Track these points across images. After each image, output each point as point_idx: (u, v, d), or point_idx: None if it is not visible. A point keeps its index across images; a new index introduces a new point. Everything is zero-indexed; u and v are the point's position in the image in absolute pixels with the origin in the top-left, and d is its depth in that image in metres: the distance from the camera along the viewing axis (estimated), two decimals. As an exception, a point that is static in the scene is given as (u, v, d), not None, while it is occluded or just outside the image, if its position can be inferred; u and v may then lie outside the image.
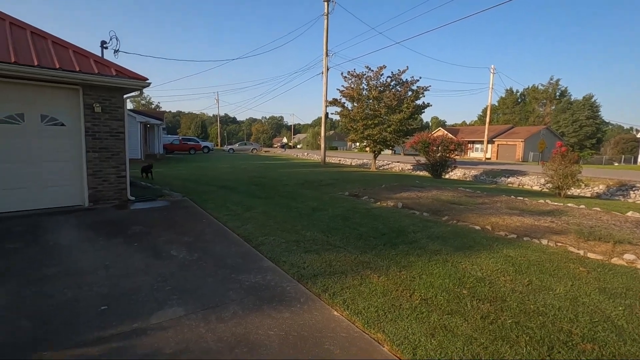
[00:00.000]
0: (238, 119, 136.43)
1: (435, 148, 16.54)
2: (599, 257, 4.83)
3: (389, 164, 26.64)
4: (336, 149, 69.61)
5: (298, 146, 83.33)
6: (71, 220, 6.19)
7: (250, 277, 3.95)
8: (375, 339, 2.83)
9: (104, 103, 7.44)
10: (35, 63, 6.37)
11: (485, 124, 42.10)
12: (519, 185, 17.22)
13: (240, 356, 2.55)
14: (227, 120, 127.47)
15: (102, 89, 7.35)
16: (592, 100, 59.06)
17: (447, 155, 16.50)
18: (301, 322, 3.04)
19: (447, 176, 18.23)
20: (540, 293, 3.73)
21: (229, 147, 47.86)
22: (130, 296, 3.42)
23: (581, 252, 5.02)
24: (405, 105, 19.52)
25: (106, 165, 7.60)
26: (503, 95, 72.30)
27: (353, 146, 69.49)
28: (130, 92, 7.99)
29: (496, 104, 72.33)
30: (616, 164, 42.13)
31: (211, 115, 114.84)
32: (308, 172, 17.30)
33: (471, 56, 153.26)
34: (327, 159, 28.40)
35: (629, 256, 4.70)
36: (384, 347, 2.74)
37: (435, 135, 18.50)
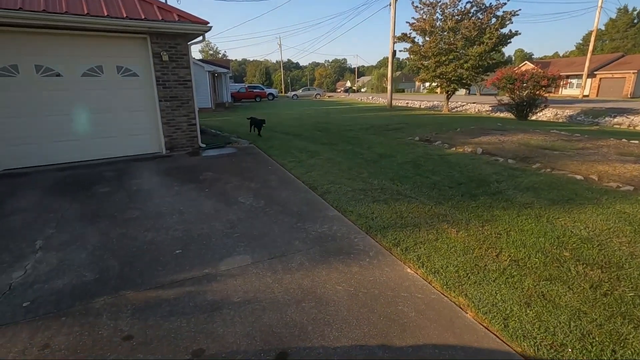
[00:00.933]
0: (301, 64, 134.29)
1: (522, 84, 14.28)
2: None
3: (463, 106, 24.21)
4: (403, 91, 65.41)
5: (362, 90, 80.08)
6: (151, 166, 6.61)
7: (316, 227, 3.79)
8: (457, 304, 2.50)
9: (170, 51, 7.48)
10: (105, 13, 6.47)
11: (586, 54, 35.30)
12: (629, 126, 14.41)
13: (307, 310, 2.43)
14: (290, 66, 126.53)
15: (167, 37, 7.35)
16: None
17: (537, 92, 14.19)
18: (371, 279, 2.81)
19: (534, 117, 15.94)
20: (672, 260, 2.98)
21: (293, 93, 47.69)
22: (202, 241, 3.50)
23: None
24: (488, 35, 16.90)
25: (177, 114, 7.86)
26: (613, 17, 59.19)
27: (422, 88, 64.54)
28: (194, 39, 7.89)
29: (602, 29, 59.86)
30: None
31: (274, 61, 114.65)
32: (373, 117, 16.44)
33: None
34: (394, 102, 26.77)
35: None
36: (467, 313, 2.40)
37: (521, 69, 15.86)
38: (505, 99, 15.33)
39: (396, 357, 2.02)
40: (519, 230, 3.63)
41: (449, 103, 21.75)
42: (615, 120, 15.32)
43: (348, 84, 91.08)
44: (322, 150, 7.92)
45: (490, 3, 17.76)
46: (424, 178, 5.57)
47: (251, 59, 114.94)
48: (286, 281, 2.80)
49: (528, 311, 2.37)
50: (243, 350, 2.09)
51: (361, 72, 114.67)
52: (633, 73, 37.42)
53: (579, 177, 5.36)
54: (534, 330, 2.19)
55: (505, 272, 2.85)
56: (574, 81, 42.17)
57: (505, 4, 17.58)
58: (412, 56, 20.20)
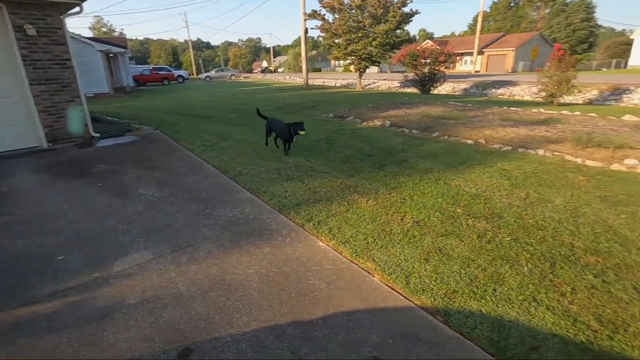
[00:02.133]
0: (212, 44, 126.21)
1: (423, 61, 15.42)
2: (598, 164, 4.58)
3: (375, 83, 25.37)
4: (320, 70, 66.11)
5: (280, 70, 78.76)
6: (27, 163, 5.58)
7: (227, 211, 3.59)
8: (365, 269, 2.58)
9: (37, 24, 6.26)
10: None
11: (476, 34, 39.55)
12: (509, 96, 16.64)
13: (215, 300, 2.28)
14: (200, 46, 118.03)
15: (30, 6, 6.11)
16: (589, 0, 55.32)
17: (436, 68, 15.47)
18: (283, 257, 2.76)
19: (436, 91, 17.42)
20: (538, 206, 3.49)
21: (205, 75, 44.70)
22: (91, 242, 3.05)
23: (579, 160, 4.76)
24: (392, 13, 17.71)
25: (58, 100, 6.71)
26: (496, 0, 67.05)
27: (337, 67, 65.95)
28: (69, 10, 6.70)
29: (488, 10, 67.57)
30: (604, 69, 41.17)
31: (182, 40, 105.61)
32: (289, 96, 16.27)
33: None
34: (310, 81, 26.86)
35: (630, 161, 4.46)
36: (374, 277, 2.49)
37: (426, 47, 17.11)
38: (411, 75, 16.42)
39: (306, 330, 2.01)
40: (421, 193, 3.90)
41: (362, 80, 22.56)
42: (499, 91, 17.57)
43: (265, 64, 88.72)
44: (236, 132, 7.56)
45: (393, -17, 18.43)
46: (337, 153, 5.68)
47: (155, 38, 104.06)
48: (192, 273, 2.59)
49: (427, 266, 2.55)
50: (139, 355, 1.87)
51: (277, 51, 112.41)
52: (512, 50, 43.16)
53: (470, 141, 5.98)
54: (431, 282, 2.37)
55: (408, 233, 3.04)
56: (467, 58, 47.16)
57: (405, -17, 18.50)
58: (323, 34, 20.28)
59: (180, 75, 37.24)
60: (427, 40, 50.26)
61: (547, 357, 1.78)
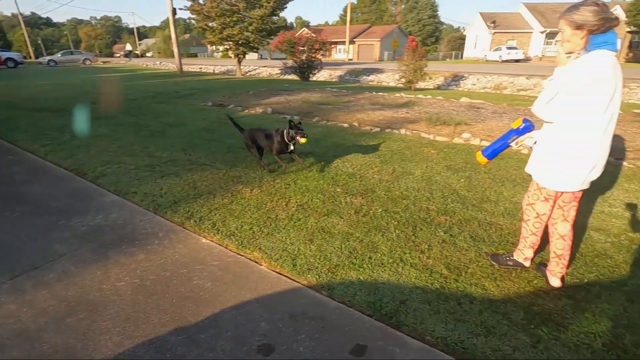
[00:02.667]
0: (55, 21, 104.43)
1: (300, 48, 15.83)
2: (444, 138, 5.49)
3: (255, 69, 25.00)
4: (195, 55, 61.63)
5: (148, 54, 70.44)
6: None
7: (87, 220, 3.07)
8: (252, 259, 2.55)
9: None
10: None
11: (346, 24, 42.42)
12: (378, 82, 18.50)
13: (74, 326, 1.94)
14: (37, 22, 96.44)
15: None
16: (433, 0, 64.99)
17: (313, 55, 16.09)
18: (161, 262, 2.51)
19: (314, 78, 18.16)
20: (403, 179, 4.00)
21: (49, 58, 36.71)
22: None
23: (431, 137, 5.62)
24: (266, -1, 17.53)
25: None
26: (362, -7, 72.87)
27: (215, 52, 62.48)
28: None
29: (355, 2, 73.02)
30: (448, 60, 49.47)
31: (9, 14, 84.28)
32: (161, 84, 14.74)
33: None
34: (186, 67, 24.83)
35: (465, 135, 5.47)
36: (261, 265, 2.48)
37: (301, 35, 17.55)
38: (290, 62, 16.69)
39: (191, 335, 1.88)
40: (304, 177, 4.04)
41: (242, 67, 21.93)
42: (369, 78, 19.38)
43: (129, 47, 78.02)
44: (95, 126, 6.49)
45: (264, -34, 18.16)
46: (219, 143, 5.42)
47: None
48: (41, 300, 2.14)
49: (311, 246, 2.67)
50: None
51: (143, 33, 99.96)
52: (377, 41, 47.85)
53: (345, 125, 6.45)
54: (315, 261, 2.49)
55: (293, 217, 3.11)
56: (341, 47, 50.40)
57: (276, -31, 18.45)
58: (195, 16, 18.84)
59: (10, 59, 29.80)
60: (304, 28, 51.70)
61: (412, 307, 2.07)
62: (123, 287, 2.25)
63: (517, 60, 34.77)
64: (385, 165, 4.40)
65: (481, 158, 2.44)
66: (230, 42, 18.89)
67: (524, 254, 2.36)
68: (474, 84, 16.04)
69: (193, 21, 19.81)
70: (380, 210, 3.25)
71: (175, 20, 20.28)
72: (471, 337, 1.85)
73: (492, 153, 2.40)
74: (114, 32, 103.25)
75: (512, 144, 2.35)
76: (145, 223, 3.04)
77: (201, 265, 2.47)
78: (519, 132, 2.29)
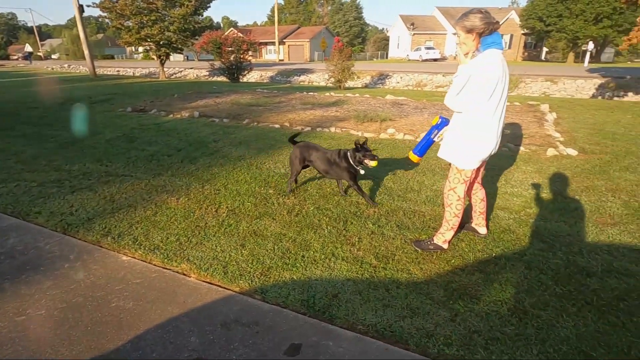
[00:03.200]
0: None
1: (228, 49, 15.37)
2: (372, 134, 5.75)
3: (181, 72, 23.72)
4: (112, 57, 56.45)
5: (54, 56, 62.83)
6: None
7: (-24, 250, 2.63)
8: (180, 272, 2.41)
9: None
10: None
11: (275, 24, 42.23)
12: (309, 82, 18.75)
13: (-39, 375, 1.65)
14: None
15: None
16: (357, 2, 67.74)
17: (242, 56, 15.74)
18: (72, 287, 2.25)
19: (244, 79, 17.79)
20: (333, 175, 4.09)
21: None
22: None
23: (360, 134, 5.85)
24: (187, -3, 16.68)
25: None
26: (287, -7, 73.05)
27: (135, 54, 57.91)
28: None
29: (282, 3, 73.04)
30: (375, 60, 51.99)
31: None
32: (71, 88, 13.26)
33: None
34: (101, 70, 22.67)
35: (390, 130, 5.79)
36: (190, 277, 2.36)
37: (228, 35, 17.02)
38: (217, 63, 16.12)
39: (110, 363, 1.72)
40: (234, 181, 3.93)
41: (166, 69, 20.65)
42: (300, 78, 19.57)
43: (29, 48, 68.64)
44: (-15, 141, 5.60)
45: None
46: (140, 151, 5.03)
47: None
48: None
49: (243, 251, 2.61)
50: None
51: (46, 32, 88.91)
52: (307, 42, 48.45)
53: (277, 125, 6.42)
54: (248, 266, 2.44)
55: (224, 223, 3.01)
56: (271, 47, 50.06)
57: (196, -34, 17.65)
58: (107, 14, 17.24)
59: None
60: (232, 29, 50.36)
61: (344, 299, 2.13)
62: (24, 322, 1.97)
63: (435, 60, 37.80)
64: (317, 164, 4.47)
65: (413, 157, 2.66)
66: (150, 43, 17.65)
67: (444, 237, 2.58)
68: (398, 82, 17.07)
69: (107, 20, 18.10)
70: (312, 208, 3.29)
71: (83, 19, 18.33)
72: (398, 320, 1.96)
73: (422, 150, 2.63)
74: (8, 31, 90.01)
75: (435, 138, 2.59)
76: (52, 246, 2.70)
77: (121, 285, 2.27)
78: (438, 127, 2.56)
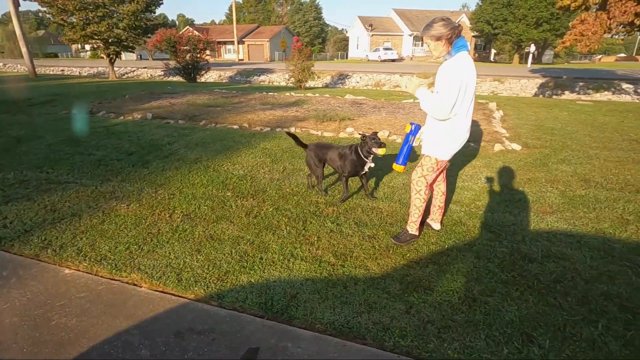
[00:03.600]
0: None
1: (183, 48, 14.82)
2: (331, 134, 5.80)
3: (134, 71, 22.54)
4: (56, 56, 52.47)
5: (-14, 54, 57.07)
6: None
7: None
8: (130, 282, 2.28)
9: None
10: None
11: (233, 23, 41.34)
12: (269, 82, 18.56)
13: None
14: None
15: None
16: (316, 2, 68.10)
17: (198, 56, 15.24)
18: (6, 307, 2.06)
19: (202, 79, 17.25)
20: (293, 176, 4.08)
21: None
22: None
23: (319, 133, 5.87)
24: (136, -7, 15.87)
25: None
26: (244, -8, 71.80)
27: (82, 53, 54.18)
28: None
29: (240, 2, 71.71)
30: (335, 60, 52.56)
31: None
32: (5, 90, 12.14)
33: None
34: (43, 70, 21.00)
35: (349, 129, 5.87)
36: (141, 287, 2.24)
37: (183, 34, 16.37)
38: (172, 63, 15.48)
39: (49, 386, 1.59)
40: (190, 185, 3.79)
41: (116, 69, 19.52)
42: (260, 78, 19.32)
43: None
44: None
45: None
46: (86, 156, 4.71)
47: None
48: None
49: (199, 257, 2.52)
50: None
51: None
52: (267, 41, 47.93)
53: (235, 126, 6.29)
54: (203, 272, 2.36)
55: (178, 229, 2.90)
56: (231, 47, 49.00)
57: (146, -39, 16.83)
58: (46, 9, 15.96)
59: None
60: (188, 27, 48.65)
61: (303, 299, 2.12)
62: (-53, 349, 1.77)
63: (393, 60, 38.88)
64: (276, 164, 4.44)
65: (398, 167, 2.71)
66: (98, 41, 16.59)
67: (415, 225, 2.72)
68: (357, 82, 17.37)
69: (48, 15, 16.74)
70: (271, 209, 3.26)
71: (19, 13, 16.84)
72: (356, 316, 1.99)
73: (404, 159, 2.69)
74: None
75: (413, 143, 2.69)
76: (-18, 262, 2.45)
77: (63, 301, 2.11)
78: (413, 133, 2.67)
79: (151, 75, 21.57)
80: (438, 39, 2.29)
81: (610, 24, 7.48)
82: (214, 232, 2.86)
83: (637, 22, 7.52)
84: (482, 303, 2.09)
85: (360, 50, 47.81)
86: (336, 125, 6.22)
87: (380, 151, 3.06)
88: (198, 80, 16.09)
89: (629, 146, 5.30)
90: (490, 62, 41.20)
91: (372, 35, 45.12)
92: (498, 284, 2.26)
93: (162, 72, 20.61)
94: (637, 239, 2.81)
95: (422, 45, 45.82)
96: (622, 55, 54.88)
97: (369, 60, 41.15)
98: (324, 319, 1.97)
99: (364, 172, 3.34)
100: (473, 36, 41.73)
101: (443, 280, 2.29)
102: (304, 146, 3.58)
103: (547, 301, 2.11)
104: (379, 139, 3.12)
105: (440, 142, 2.50)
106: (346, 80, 17.64)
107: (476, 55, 43.83)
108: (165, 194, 3.56)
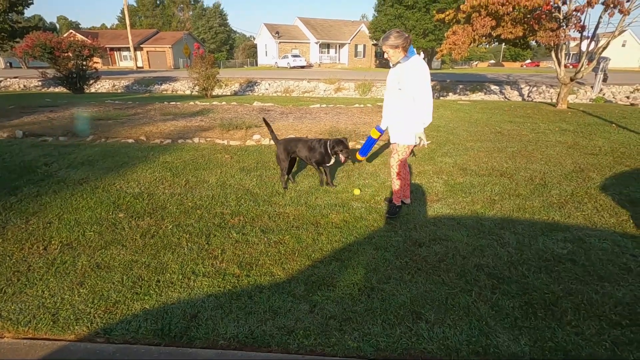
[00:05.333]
0: None
1: (64, 55, 13.00)
2: (237, 142, 5.68)
3: (1, 82, 19.05)
4: None
5: None
6: None
7: None
8: (-13, 335, 1.90)
9: None
10: None
11: (127, 28, 37.78)
12: (172, 91, 17.43)
13: None
14: None
15: None
16: (220, 8, 66.34)
17: (84, 63, 13.54)
18: None
19: (93, 89, 15.40)
20: (197, 188, 3.89)
21: None
22: None
23: (225, 142, 5.70)
24: (-4, -10, 13.45)
25: None
26: (139, -5, 66.37)
27: None
28: None
29: (135, 4, 66.09)
30: (245, 67, 51.83)
31: None
32: None
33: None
34: None
35: (256, 137, 5.83)
36: (3, 338, 1.88)
37: (63, 38, 14.32)
38: (52, 71, 13.47)
39: None
40: (73, 210, 3.33)
41: (-25, 79, 16.24)
42: (162, 87, 18.01)
43: None
44: None
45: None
46: None
47: None
48: None
49: (81, 290, 2.22)
50: None
51: None
52: (169, 47, 45.03)
53: (130, 140, 5.74)
54: (87, 306, 2.09)
55: (55, 262, 2.51)
56: (126, 53, 44.72)
57: (6, -47, 14.39)
58: None
59: None
60: (71, 31, 43.00)
61: (204, 317, 2.02)
62: None
63: (302, 67, 39.89)
64: (178, 178, 4.17)
65: (361, 158, 3.65)
66: (-55, 46, 13.59)
67: (399, 198, 3.33)
68: (266, 89, 17.37)
69: None
70: (171, 226, 3.04)
71: None
72: (260, 324, 1.97)
73: (365, 153, 3.62)
74: None
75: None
76: None
77: None
78: (382, 131, 3.45)
79: (25, 86, 18.46)
80: (396, 47, 2.85)
81: (474, 35, 8.83)
82: (102, 259, 2.55)
83: (494, 34, 9.03)
84: (379, 291, 2.25)
85: (270, 58, 47.97)
86: (243, 133, 6.12)
87: (342, 159, 3.64)
88: (86, 91, 14.29)
89: (495, 137, 6.29)
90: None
91: (280, 42, 45.67)
92: (393, 270, 2.46)
93: (40, 83, 17.83)
94: (501, 215, 3.34)
95: (328, 53, 47.98)
96: (492, 61, 65.26)
97: (278, 67, 41.53)
98: (227, 333, 1.91)
99: (326, 165, 3.86)
100: (373, 44, 45.15)
101: (345, 275, 2.41)
102: (276, 140, 3.94)
103: (433, 279, 2.36)
104: (348, 148, 3.67)
105: (409, 131, 3.09)
106: (255, 87, 17.51)
107: (377, 61, 47.48)
108: (40, 223, 3.07)
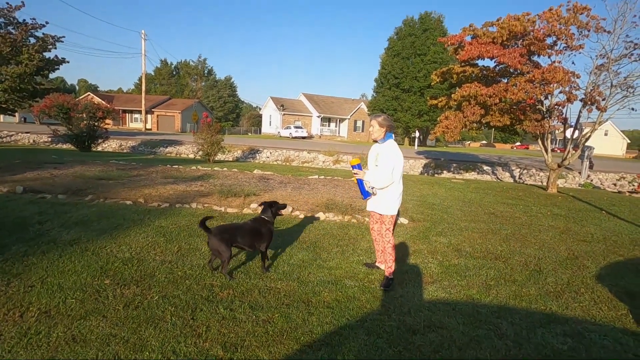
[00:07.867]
0: None
1: (78, 115, 13.71)
2: (235, 210, 5.72)
3: (12, 136, 19.73)
4: None
5: None
6: None
7: None
8: (-63, 417, 1.72)
9: None
10: None
11: (142, 93, 40.41)
12: (176, 154, 18.00)
13: None
14: None
15: None
16: (231, 81, 71.82)
17: (96, 124, 14.21)
18: None
19: (99, 148, 15.91)
20: (188, 256, 3.82)
21: None
22: None
23: (222, 209, 5.75)
24: (27, 56, 14.68)
25: None
26: (159, 66, 72.26)
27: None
28: None
29: (152, 73, 71.45)
30: (249, 134, 54.31)
31: None
32: None
33: (118, 13, 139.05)
34: None
35: (254, 205, 5.90)
36: (-46, 421, 1.71)
37: (79, 100, 15.25)
38: (62, 129, 14.07)
39: None
40: (58, 273, 3.23)
41: (-12, 132, 16.87)
42: (167, 149, 18.66)
43: None
44: None
45: (26, 20, 15.45)
46: None
47: None
48: None
49: (51, 367, 2.07)
50: None
51: None
52: (178, 113, 47.66)
53: (128, 202, 5.78)
54: (53, 387, 1.93)
55: (29, 331, 2.37)
56: (137, 116, 47.19)
57: (44, 25, 16.04)
58: None
59: None
60: (89, 93, 45.87)
61: (180, 407, 1.85)
62: None
63: (303, 137, 41.83)
64: (170, 244, 4.13)
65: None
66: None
67: (391, 269, 3.48)
68: (267, 157, 18.01)
69: None
70: (157, 297, 2.93)
71: None
72: (240, 419, 1.80)
73: (366, 195, 3.59)
74: None
75: (358, 176, 3.52)
76: None
77: None
78: (358, 167, 3.54)
79: (34, 141, 19.10)
80: (382, 126, 3.42)
81: (465, 121, 9.51)
82: (79, 331, 2.42)
83: (483, 121, 9.73)
84: (370, 384, 2.10)
85: (273, 127, 50.53)
86: (241, 201, 6.20)
87: (284, 211, 4.11)
88: (93, 150, 14.76)
89: (489, 219, 6.39)
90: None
91: (284, 114, 48.54)
92: (386, 360, 2.33)
93: (49, 139, 18.47)
94: (497, 302, 3.26)
95: (328, 126, 50.72)
96: (484, 142, 68.92)
97: (280, 136, 43.52)
98: None
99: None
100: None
101: (333, 364, 2.27)
102: (207, 230, 3.37)
103: (428, 374, 2.22)
104: (278, 202, 3.81)
105: (391, 203, 3.46)
106: (257, 154, 18.16)
107: (374, 136, 49.82)
108: (21, 286, 2.96)
